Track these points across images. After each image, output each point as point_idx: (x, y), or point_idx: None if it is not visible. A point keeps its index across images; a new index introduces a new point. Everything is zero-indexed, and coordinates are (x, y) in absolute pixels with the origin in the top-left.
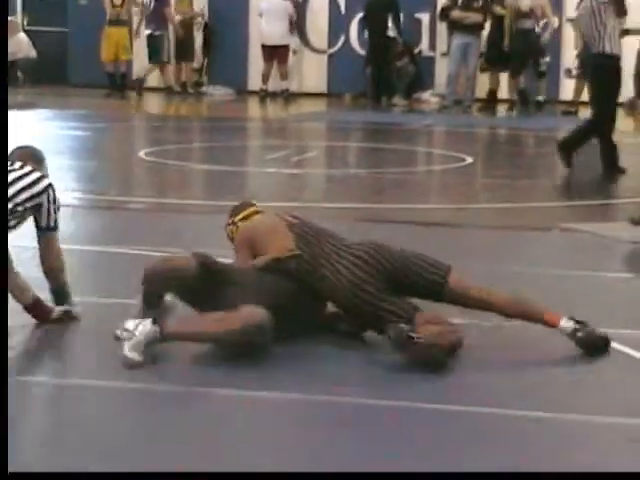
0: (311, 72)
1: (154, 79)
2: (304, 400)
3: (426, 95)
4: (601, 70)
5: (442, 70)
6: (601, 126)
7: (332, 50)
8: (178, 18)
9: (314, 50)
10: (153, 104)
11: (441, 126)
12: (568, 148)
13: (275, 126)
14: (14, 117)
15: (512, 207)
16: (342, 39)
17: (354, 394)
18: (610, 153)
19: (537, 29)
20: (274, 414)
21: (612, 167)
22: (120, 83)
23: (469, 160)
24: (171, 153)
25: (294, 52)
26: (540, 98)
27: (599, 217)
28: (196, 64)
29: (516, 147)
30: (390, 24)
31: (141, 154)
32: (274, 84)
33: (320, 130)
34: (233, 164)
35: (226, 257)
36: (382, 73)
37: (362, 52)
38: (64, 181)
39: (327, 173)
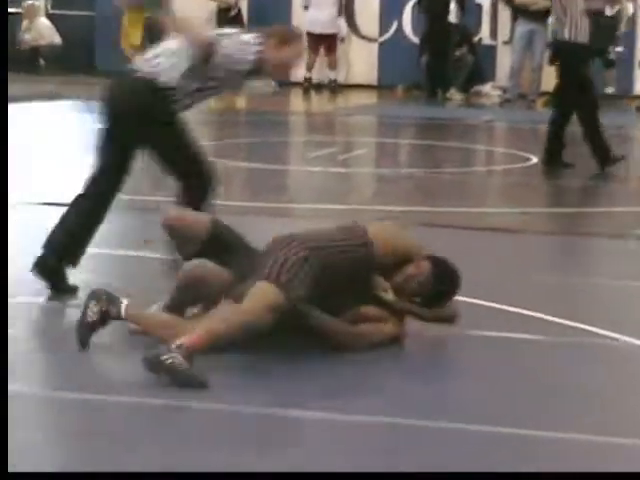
0: (360, 62)
1: None
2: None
3: (486, 88)
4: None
5: (504, 61)
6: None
7: (383, 38)
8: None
9: (364, 38)
10: None
11: (503, 122)
12: (551, 160)
13: (320, 120)
14: (36, 108)
15: (582, 212)
16: (394, 26)
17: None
18: (599, 145)
19: (609, 12)
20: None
21: (606, 160)
22: None
23: (534, 160)
24: (208, 149)
25: (342, 40)
26: (609, 90)
27: None
28: None
29: (585, 146)
30: (453, 7)
31: None
32: (319, 75)
33: (370, 125)
34: (274, 162)
35: None
36: (439, 63)
37: (416, 40)
38: None
39: (377, 172)
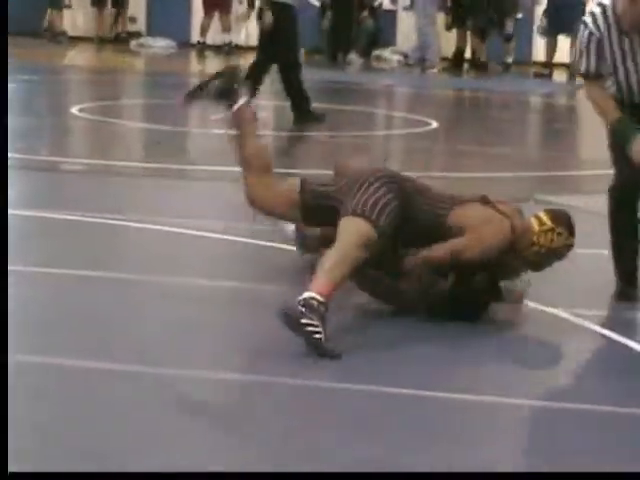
0: None
1: (84, 28)
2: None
3: (386, 53)
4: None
5: (404, 26)
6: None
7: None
8: None
9: None
10: (86, 55)
11: (403, 87)
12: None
13: None
14: None
15: (480, 177)
16: None
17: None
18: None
19: None
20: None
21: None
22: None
23: (434, 125)
24: (107, 110)
25: (240, 1)
26: (508, 60)
27: (574, 188)
28: (132, 13)
29: (484, 111)
30: None
31: (74, 110)
32: (217, 37)
33: (270, 88)
34: (175, 124)
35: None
36: (340, 27)
37: (317, 3)
38: None
39: (278, 135)
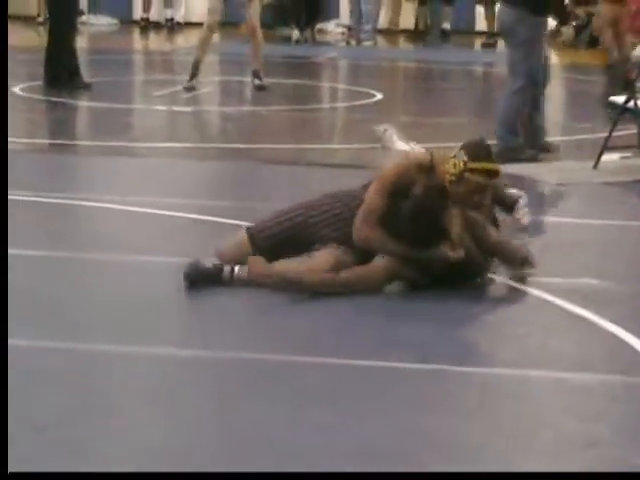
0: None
1: (25, 7)
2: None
3: (330, 26)
4: None
5: None
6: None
7: None
8: None
9: None
10: (26, 35)
11: (347, 59)
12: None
13: (162, 60)
14: None
15: (426, 147)
16: None
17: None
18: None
19: None
20: None
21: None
22: None
23: (378, 96)
24: (50, 89)
25: None
26: (446, 26)
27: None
28: None
29: (428, 82)
30: None
31: (16, 90)
32: (158, 14)
33: (213, 64)
34: (118, 101)
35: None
36: (281, 1)
37: None
38: None
39: (221, 111)
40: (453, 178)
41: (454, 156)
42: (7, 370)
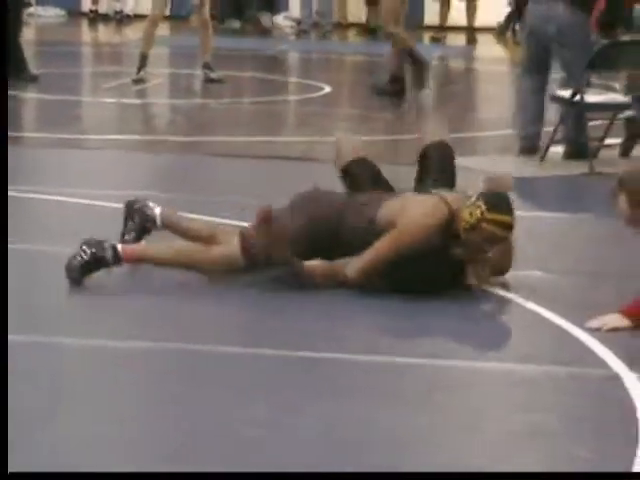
0: None
1: None
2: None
3: (279, 19)
4: None
5: None
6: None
7: None
8: None
9: None
10: None
11: (297, 52)
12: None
13: (111, 52)
14: None
15: (376, 140)
16: None
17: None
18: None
19: None
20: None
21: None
22: None
23: (327, 89)
24: None
25: None
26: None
27: (470, 150)
28: None
29: (378, 75)
30: None
31: None
32: (107, 5)
33: (163, 56)
34: (67, 93)
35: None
36: None
37: None
38: None
39: (172, 103)
40: (467, 226)
41: (472, 203)
42: (7, 370)
